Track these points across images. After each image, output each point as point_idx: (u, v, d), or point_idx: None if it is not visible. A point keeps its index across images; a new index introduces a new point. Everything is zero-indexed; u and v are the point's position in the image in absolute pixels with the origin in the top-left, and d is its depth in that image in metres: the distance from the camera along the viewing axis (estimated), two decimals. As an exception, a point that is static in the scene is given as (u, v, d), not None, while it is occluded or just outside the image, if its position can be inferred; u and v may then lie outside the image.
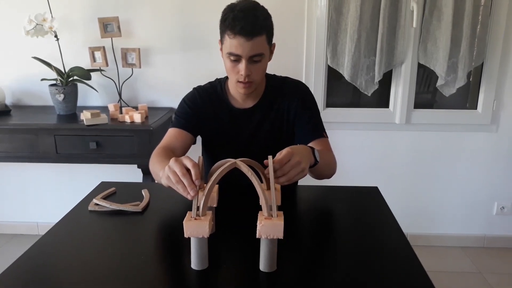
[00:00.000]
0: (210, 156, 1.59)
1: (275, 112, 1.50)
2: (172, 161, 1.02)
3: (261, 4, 1.35)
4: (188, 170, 1.00)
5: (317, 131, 1.48)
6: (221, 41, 1.36)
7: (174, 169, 1.00)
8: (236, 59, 1.32)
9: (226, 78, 1.50)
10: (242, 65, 1.32)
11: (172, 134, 1.46)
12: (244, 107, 1.50)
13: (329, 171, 1.41)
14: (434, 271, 2.43)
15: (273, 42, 1.40)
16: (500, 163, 2.61)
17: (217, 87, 1.52)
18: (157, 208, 1.35)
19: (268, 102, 1.50)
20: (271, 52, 1.41)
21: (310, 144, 1.40)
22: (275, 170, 1.02)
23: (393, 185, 2.64)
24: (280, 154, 1.06)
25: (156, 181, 1.33)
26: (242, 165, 0.98)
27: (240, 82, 1.36)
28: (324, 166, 1.30)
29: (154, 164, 1.29)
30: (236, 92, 1.47)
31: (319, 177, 1.39)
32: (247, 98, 1.48)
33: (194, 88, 1.54)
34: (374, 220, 1.29)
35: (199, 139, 1.59)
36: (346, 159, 2.63)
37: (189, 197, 0.97)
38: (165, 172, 1.03)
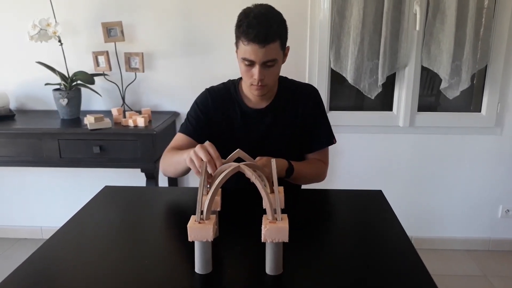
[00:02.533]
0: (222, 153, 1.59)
1: (288, 115, 1.53)
2: (198, 147, 1.15)
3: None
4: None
5: (329, 140, 1.59)
6: (236, 45, 1.39)
7: (199, 155, 1.13)
8: (250, 63, 1.35)
9: (240, 78, 1.53)
10: (255, 70, 1.35)
11: (179, 140, 1.51)
12: (257, 107, 1.52)
13: (310, 182, 1.59)
14: (439, 275, 2.42)
15: (287, 46, 1.43)
16: (505, 166, 2.60)
17: (231, 88, 1.55)
18: (161, 212, 1.35)
19: (281, 104, 1.53)
20: (285, 55, 1.45)
21: (315, 154, 1.58)
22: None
23: (397, 188, 2.63)
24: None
25: (172, 173, 1.44)
26: (246, 168, 0.98)
27: (254, 85, 1.40)
28: (300, 179, 1.51)
29: (173, 156, 1.40)
30: (250, 93, 1.50)
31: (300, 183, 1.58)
32: (262, 98, 1.51)
33: (207, 89, 1.57)
34: (378, 223, 1.28)
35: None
36: (350, 163, 2.63)
37: (205, 159, 1.11)
38: (189, 154, 1.16)
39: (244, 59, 1.35)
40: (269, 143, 1.52)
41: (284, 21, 1.38)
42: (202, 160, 1.11)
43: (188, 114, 1.56)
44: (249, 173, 0.97)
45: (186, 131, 1.52)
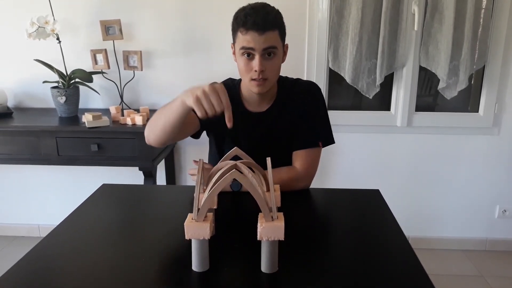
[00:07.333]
0: (219, 155, 1.55)
1: (288, 116, 1.48)
2: (210, 88, 1.06)
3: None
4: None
5: (310, 140, 1.47)
6: (234, 40, 1.36)
7: (211, 99, 1.05)
8: (249, 53, 1.31)
9: (240, 80, 1.49)
10: (256, 61, 1.31)
11: None
12: (258, 110, 1.48)
13: (288, 188, 1.37)
14: (436, 274, 2.43)
15: (286, 43, 1.41)
16: (502, 166, 2.60)
17: (232, 89, 1.48)
18: (158, 210, 1.35)
19: (281, 105, 1.49)
20: (285, 53, 1.42)
21: (297, 152, 1.46)
22: None
23: (394, 188, 2.64)
24: None
25: (160, 130, 1.32)
26: (242, 167, 0.98)
27: (254, 80, 1.34)
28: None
29: (161, 111, 1.29)
30: (250, 94, 1.45)
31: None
32: (262, 100, 1.47)
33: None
34: (375, 222, 1.28)
35: (205, 138, 1.58)
36: (348, 162, 2.63)
37: (218, 109, 1.06)
38: (194, 92, 1.07)
39: (243, 48, 1.31)
40: (269, 144, 1.49)
41: (281, 15, 1.36)
42: (214, 108, 1.07)
43: None
44: (245, 171, 0.97)
45: None
